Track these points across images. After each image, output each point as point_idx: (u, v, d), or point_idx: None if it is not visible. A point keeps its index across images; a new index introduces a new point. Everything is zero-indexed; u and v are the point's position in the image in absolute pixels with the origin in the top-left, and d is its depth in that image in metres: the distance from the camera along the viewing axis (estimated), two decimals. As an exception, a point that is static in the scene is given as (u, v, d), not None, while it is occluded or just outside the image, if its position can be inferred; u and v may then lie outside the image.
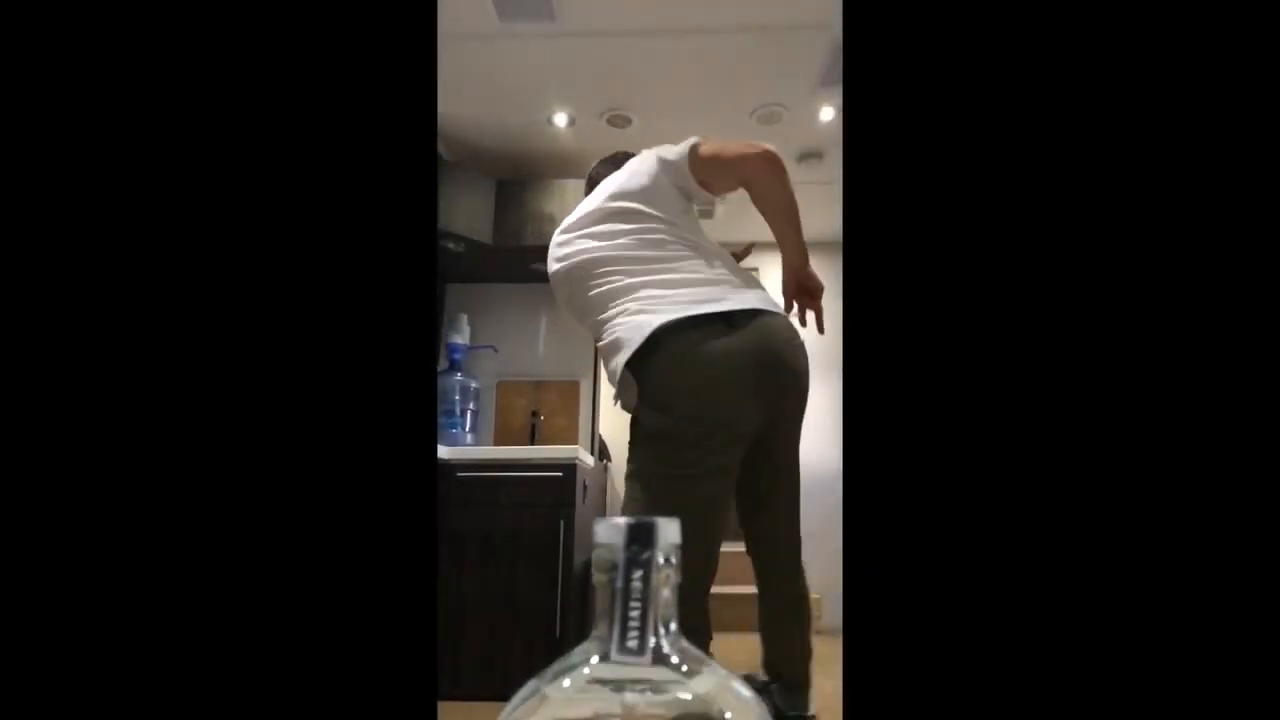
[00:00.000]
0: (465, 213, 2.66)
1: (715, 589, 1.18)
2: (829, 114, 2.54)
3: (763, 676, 1.22)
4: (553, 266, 1.31)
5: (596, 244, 1.23)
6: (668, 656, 0.27)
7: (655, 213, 1.22)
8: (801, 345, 1.21)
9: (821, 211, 3.38)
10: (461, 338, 2.90)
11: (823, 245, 3.72)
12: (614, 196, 1.25)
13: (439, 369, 2.83)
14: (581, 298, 1.25)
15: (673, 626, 0.28)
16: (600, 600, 0.28)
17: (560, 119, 2.58)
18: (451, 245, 2.71)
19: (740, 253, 1.38)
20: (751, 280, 1.24)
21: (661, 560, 0.28)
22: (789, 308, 1.29)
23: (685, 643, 0.28)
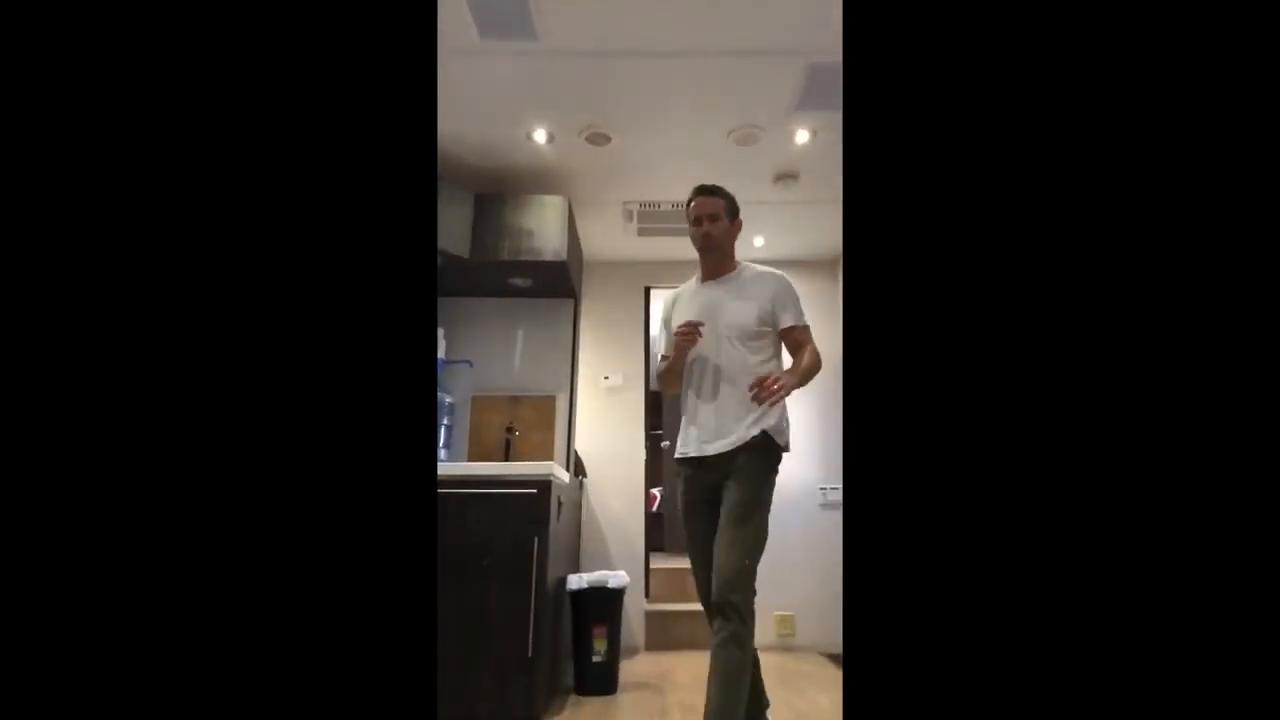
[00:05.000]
0: (443, 227, 2.65)
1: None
2: (804, 136, 2.59)
3: None
4: None
5: None
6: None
7: None
8: None
9: (797, 230, 3.42)
10: (438, 352, 2.88)
11: (799, 263, 3.77)
12: None
13: (414, 383, 2.79)
14: None
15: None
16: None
17: (539, 135, 2.59)
18: (429, 259, 2.69)
19: None
20: None
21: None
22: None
23: None
